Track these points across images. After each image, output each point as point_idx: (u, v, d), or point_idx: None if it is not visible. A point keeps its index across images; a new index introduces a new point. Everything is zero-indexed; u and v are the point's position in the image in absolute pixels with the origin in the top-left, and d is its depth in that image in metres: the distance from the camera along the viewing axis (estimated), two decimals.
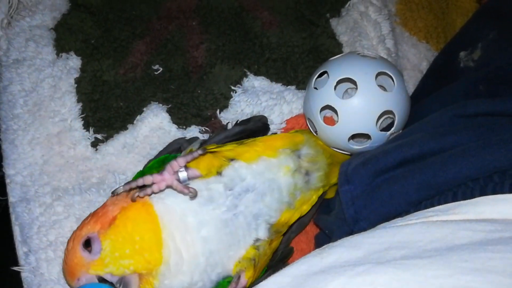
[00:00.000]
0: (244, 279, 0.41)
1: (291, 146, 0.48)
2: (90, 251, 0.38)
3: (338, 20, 0.68)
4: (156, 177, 0.41)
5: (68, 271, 0.39)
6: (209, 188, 0.42)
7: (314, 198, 0.48)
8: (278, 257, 0.49)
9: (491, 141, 0.37)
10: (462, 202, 0.34)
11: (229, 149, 0.46)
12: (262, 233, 0.43)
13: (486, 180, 0.36)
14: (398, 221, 0.35)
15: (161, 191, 0.41)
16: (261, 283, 0.33)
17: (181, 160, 0.42)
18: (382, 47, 0.63)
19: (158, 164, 0.47)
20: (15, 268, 0.50)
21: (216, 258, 0.41)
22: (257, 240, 0.43)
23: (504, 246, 0.28)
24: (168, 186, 0.41)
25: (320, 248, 0.35)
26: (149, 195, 0.41)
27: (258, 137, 0.51)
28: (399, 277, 0.27)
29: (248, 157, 0.45)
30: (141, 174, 0.47)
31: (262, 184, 0.43)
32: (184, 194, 0.40)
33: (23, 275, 0.50)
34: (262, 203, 0.43)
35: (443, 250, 0.28)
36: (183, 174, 0.41)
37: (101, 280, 0.39)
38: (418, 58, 0.68)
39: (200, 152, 0.42)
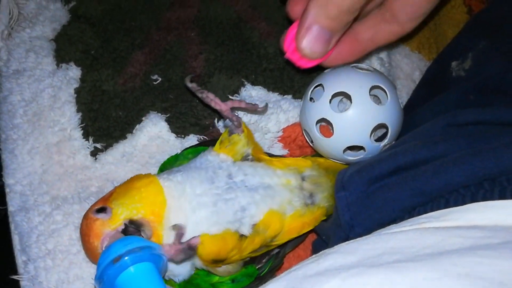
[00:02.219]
0: (198, 239, 0.43)
1: (298, 167, 0.50)
2: (105, 213, 0.43)
3: None
4: (217, 100, 0.50)
5: (92, 237, 0.42)
6: (216, 171, 0.46)
7: (318, 214, 0.49)
8: (268, 268, 0.50)
9: (481, 149, 0.39)
10: (453, 208, 0.35)
11: None
12: (246, 229, 0.45)
13: (477, 187, 0.37)
14: (393, 228, 0.36)
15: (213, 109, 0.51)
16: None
17: (243, 103, 0.51)
18: (376, 57, 0.65)
19: (193, 153, 0.52)
20: (14, 277, 0.50)
21: (200, 230, 0.43)
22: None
23: (492, 252, 0.29)
24: (220, 111, 0.50)
25: (316, 255, 0.36)
26: (202, 97, 0.50)
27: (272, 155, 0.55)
28: (391, 278, 0.28)
29: (256, 159, 0.49)
30: (175, 158, 0.53)
31: (258, 184, 0.46)
32: (230, 120, 0.49)
33: (22, 283, 0.50)
34: (251, 199, 0.45)
35: (435, 255, 0.29)
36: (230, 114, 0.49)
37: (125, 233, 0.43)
38: (411, 68, 0.69)
39: (260, 108, 0.51)
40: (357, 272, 0.30)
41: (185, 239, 0.43)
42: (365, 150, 0.49)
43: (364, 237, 0.35)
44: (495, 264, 0.28)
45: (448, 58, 0.59)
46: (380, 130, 0.54)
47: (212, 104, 0.49)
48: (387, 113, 0.48)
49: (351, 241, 0.35)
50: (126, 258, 0.39)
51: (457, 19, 0.73)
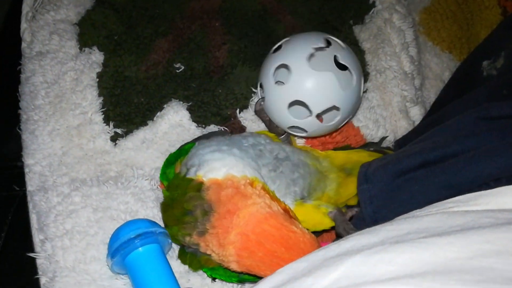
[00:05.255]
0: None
1: (316, 154, 0.57)
2: None
3: (361, 27, 0.73)
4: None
5: None
6: (260, 149, 0.51)
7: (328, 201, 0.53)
8: None
9: None
10: (483, 192, 0.36)
11: None
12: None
13: (509, 180, 0.38)
14: (417, 212, 0.37)
15: None
16: (280, 269, 0.36)
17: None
18: (405, 55, 0.68)
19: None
20: (31, 255, 0.53)
21: None
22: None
23: None
24: None
25: (337, 240, 0.38)
26: None
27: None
28: (419, 257, 0.29)
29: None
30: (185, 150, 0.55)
31: (299, 161, 0.51)
32: None
33: (38, 261, 0.53)
34: (298, 173, 0.50)
35: (465, 231, 0.30)
36: None
37: None
38: (441, 68, 0.72)
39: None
40: (381, 249, 0.31)
41: None
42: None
43: (386, 223, 0.37)
44: None
45: (479, 58, 0.61)
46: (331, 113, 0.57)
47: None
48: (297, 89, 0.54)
49: (374, 227, 0.37)
50: (137, 241, 0.48)
51: (490, 20, 0.76)
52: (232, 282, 0.51)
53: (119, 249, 0.48)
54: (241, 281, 0.49)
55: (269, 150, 0.51)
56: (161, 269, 0.49)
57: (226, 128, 0.65)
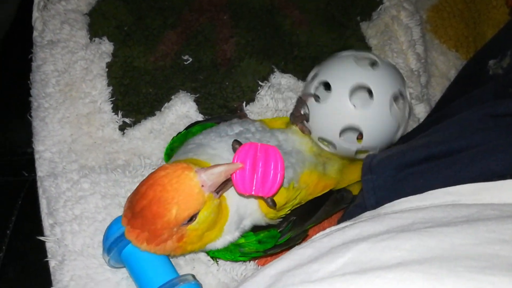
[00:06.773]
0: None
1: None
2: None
3: (368, 24, 0.74)
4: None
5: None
6: (249, 139, 0.51)
7: (329, 183, 0.55)
8: (289, 237, 0.54)
9: None
10: (486, 184, 0.36)
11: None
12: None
13: None
14: (421, 203, 0.38)
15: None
16: (284, 255, 0.38)
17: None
18: (412, 52, 0.69)
19: (201, 130, 0.56)
20: (41, 238, 0.55)
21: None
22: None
23: None
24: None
25: (341, 224, 0.39)
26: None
27: None
28: (425, 243, 0.30)
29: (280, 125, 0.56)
30: (185, 135, 0.56)
31: (291, 149, 0.52)
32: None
33: (47, 245, 0.55)
34: (288, 162, 0.49)
35: (470, 222, 0.31)
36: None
37: None
38: (447, 66, 0.73)
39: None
40: (387, 237, 0.31)
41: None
42: (335, 147, 0.53)
43: (390, 212, 0.38)
44: None
45: (485, 57, 0.62)
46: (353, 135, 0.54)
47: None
48: (361, 116, 0.48)
49: (377, 215, 0.38)
50: None
51: (497, 19, 0.77)
52: (236, 260, 0.52)
53: (115, 244, 0.48)
54: (244, 255, 0.51)
55: (257, 139, 0.50)
56: (156, 258, 0.48)
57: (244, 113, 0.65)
